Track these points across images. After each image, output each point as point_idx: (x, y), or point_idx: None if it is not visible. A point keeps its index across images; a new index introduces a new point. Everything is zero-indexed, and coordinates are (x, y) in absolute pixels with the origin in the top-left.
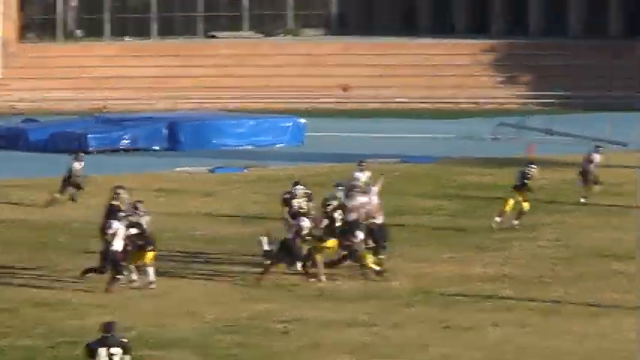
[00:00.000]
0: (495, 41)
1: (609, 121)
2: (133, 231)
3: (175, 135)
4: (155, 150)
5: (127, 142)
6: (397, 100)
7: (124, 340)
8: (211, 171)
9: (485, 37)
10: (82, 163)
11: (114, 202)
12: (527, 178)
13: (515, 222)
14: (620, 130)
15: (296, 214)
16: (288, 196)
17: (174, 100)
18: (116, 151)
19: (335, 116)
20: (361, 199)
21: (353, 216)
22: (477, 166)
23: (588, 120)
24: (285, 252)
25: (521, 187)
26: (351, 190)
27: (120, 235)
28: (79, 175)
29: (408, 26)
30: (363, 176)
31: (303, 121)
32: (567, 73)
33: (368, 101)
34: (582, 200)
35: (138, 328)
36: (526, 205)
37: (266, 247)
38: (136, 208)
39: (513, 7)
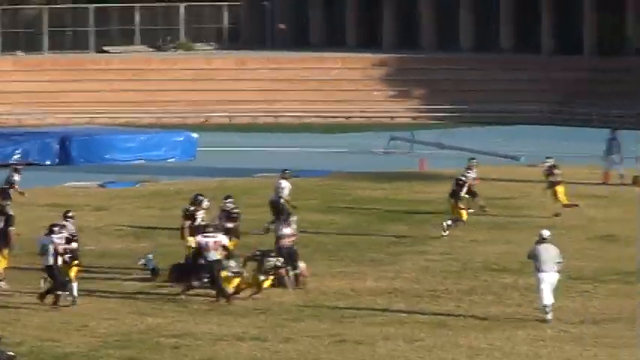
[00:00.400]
0: (387, 55)
1: (502, 135)
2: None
3: (67, 150)
4: (46, 165)
5: (18, 156)
6: (289, 114)
7: (10, 353)
8: (102, 186)
9: (376, 51)
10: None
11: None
12: (462, 185)
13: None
14: (513, 143)
15: (199, 228)
16: (192, 209)
17: (66, 114)
18: (6, 165)
19: (227, 130)
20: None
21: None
22: (368, 180)
23: (480, 134)
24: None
25: (457, 194)
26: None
27: (55, 249)
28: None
29: (300, 40)
30: (287, 185)
31: (195, 135)
32: (459, 87)
33: (260, 115)
34: (470, 211)
35: (28, 343)
36: (463, 214)
37: (144, 263)
38: (67, 218)
39: (405, 21)
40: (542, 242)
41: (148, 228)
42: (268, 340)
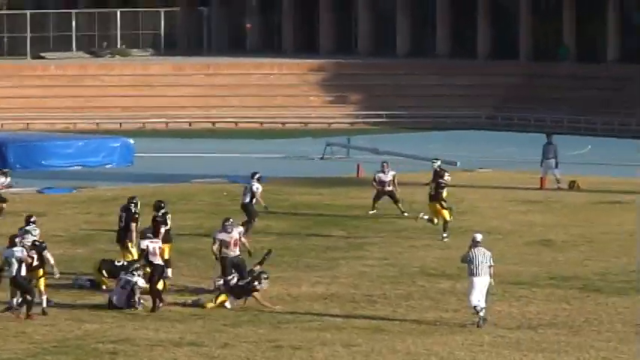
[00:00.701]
0: (324, 60)
1: (439, 140)
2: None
3: (3, 155)
4: None
5: None
6: (226, 119)
7: None
8: (40, 191)
9: (313, 56)
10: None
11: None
12: (442, 187)
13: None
14: (450, 149)
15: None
16: (162, 213)
17: (3, 120)
18: None
19: (164, 136)
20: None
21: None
22: (305, 186)
23: (417, 139)
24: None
25: (436, 197)
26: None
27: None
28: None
29: (237, 46)
30: (259, 187)
31: (131, 141)
32: (396, 92)
33: (197, 121)
34: (405, 214)
35: None
36: (446, 214)
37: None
38: (29, 223)
39: (342, 27)
40: (475, 246)
41: (86, 234)
42: (205, 346)
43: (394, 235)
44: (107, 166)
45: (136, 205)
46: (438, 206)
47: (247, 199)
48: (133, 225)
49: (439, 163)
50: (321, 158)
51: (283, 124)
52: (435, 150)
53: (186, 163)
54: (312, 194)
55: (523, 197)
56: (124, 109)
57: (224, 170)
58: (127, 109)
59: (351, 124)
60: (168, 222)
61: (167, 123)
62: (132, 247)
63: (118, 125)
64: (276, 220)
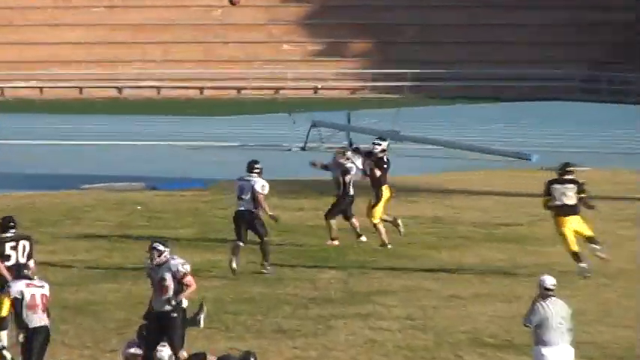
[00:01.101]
0: None
1: (503, 115)
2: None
3: None
4: None
5: None
6: (142, 82)
7: None
8: None
9: None
10: None
11: None
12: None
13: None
14: (519, 131)
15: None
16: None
17: None
18: None
19: (37, 110)
20: None
21: None
22: (276, 195)
23: (461, 114)
24: None
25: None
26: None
27: None
28: None
29: None
30: (265, 184)
31: None
32: (426, 37)
33: (94, 85)
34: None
35: None
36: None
37: None
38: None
39: None
40: (546, 296)
41: None
42: None
43: (422, 277)
44: None
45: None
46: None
47: (247, 206)
48: None
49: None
50: (303, 148)
51: (238, 90)
52: (496, 133)
53: (74, 156)
54: (288, 209)
55: None
56: None
57: (138, 169)
58: None
59: (352, 90)
60: (31, 256)
61: (41, 88)
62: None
63: None
64: (225, 253)
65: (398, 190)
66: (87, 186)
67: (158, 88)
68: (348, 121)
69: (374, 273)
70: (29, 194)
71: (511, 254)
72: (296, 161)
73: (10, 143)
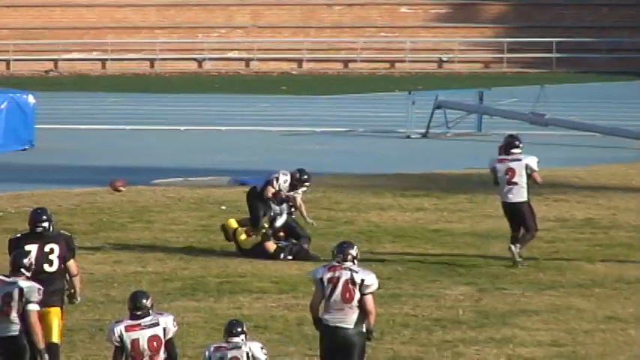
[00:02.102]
0: None
1: None
2: None
3: None
4: None
5: None
6: (228, 53)
7: None
8: None
9: None
10: None
11: None
12: None
13: None
14: None
15: None
16: None
17: None
18: None
19: (96, 88)
20: None
21: None
22: (388, 190)
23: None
24: None
25: None
26: None
27: None
28: None
29: None
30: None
31: (30, 98)
32: None
33: (160, 56)
34: None
35: None
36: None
37: None
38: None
39: None
40: None
41: None
42: None
43: (570, 294)
44: None
45: (50, 224)
46: None
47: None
48: (71, 263)
49: None
50: (424, 135)
51: (345, 63)
52: None
53: (143, 144)
54: (406, 209)
55: None
56: (11, 34)
57: (221, 160)
58: (17, 33)
59: (485, 63)
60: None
61: (103, 61)
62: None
63: (4, 66)
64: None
65: (541, 187)
66: (159, 181)
67: (246, 60)
68: (481, 100)
69: (512, 288)
70: (89, 191)
71: None
72: (416, 150)
73: (64, 128)
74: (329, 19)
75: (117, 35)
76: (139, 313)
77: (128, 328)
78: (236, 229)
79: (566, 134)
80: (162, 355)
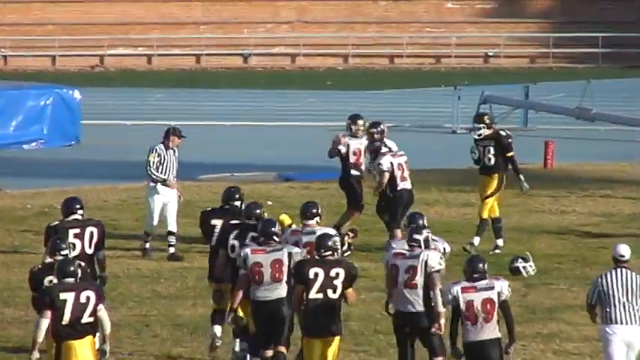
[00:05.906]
0: None
1: None
2: None
3: None
4: None
5: None
6: (273, 48)
7: None
8: None
9: None
10: None
11: None
12: None
13: None
14: None
15: None
16: None
17: None
18: None
19: (142, 84)
20: None
21: None
22: (433, 185)
23: None
24: None
25: None
26: None
27: None
28: None
29: None
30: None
31: (76, 94)
32: None
33: (206, 51)
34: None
35: None
36: None
37: None
38: None
39: None
40: (618, 267)
41: None
42: None
43: None
44: (26, 147)
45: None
46: None
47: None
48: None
49: None
50: (471, 130)
51: (391, 58)
52: None
53: (189, 139)
54: (452, 204)
55: None
56: (57, 30)
57: (268, 155)
58: (62, 29)
59: (531, 58)
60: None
61: (149, 56)
62: None
63: (50, 62)
64: (373, 261)
65: (587, 182)
66: (205, 176)
67: (292, 55)
68: (527, 96)
69: (558, 283)
70: (134, 186)
71: None
72: (462, 146)
73: (110, 123)
74: (375, 15)
75: (162, 31)
76: (475, 275)
77: (464, 290)
78: (290, 225)
79: (612, 129)
80: (494, 318)
